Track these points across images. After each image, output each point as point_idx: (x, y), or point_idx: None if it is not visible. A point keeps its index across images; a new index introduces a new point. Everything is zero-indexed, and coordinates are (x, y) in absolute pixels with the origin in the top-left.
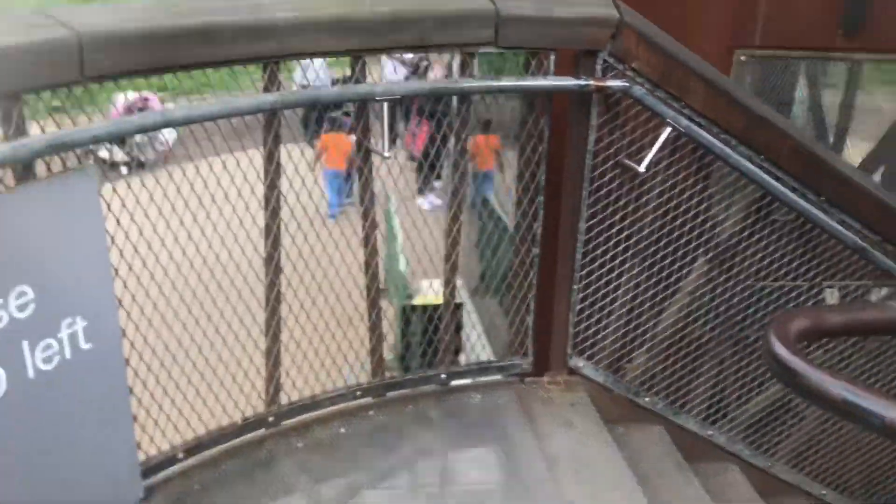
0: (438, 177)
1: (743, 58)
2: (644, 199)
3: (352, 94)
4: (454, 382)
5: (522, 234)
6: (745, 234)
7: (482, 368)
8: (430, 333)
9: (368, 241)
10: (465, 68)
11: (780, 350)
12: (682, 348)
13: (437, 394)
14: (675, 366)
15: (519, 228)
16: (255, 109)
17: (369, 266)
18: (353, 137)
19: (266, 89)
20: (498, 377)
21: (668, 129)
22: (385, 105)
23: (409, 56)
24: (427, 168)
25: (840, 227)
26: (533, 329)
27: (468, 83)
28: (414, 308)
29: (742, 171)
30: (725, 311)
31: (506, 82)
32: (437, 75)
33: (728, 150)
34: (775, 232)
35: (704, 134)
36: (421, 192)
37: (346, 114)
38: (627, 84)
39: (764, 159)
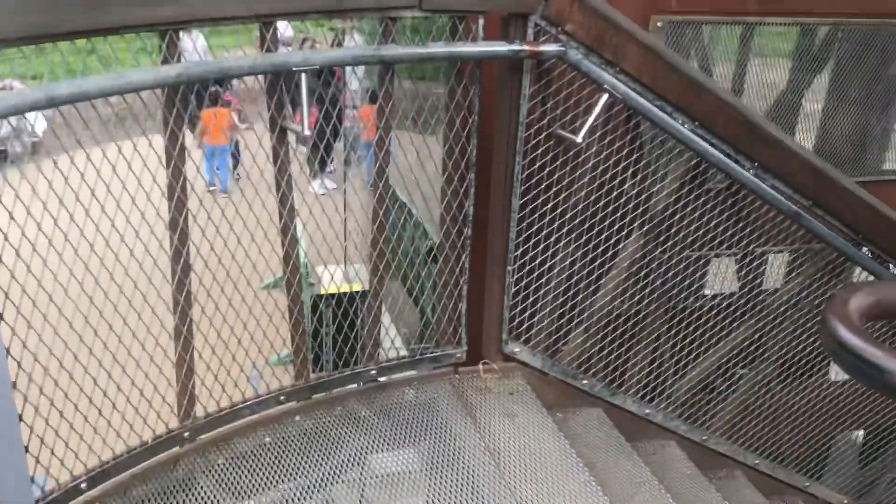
0: (329, 159)
1: (659, 23)
2: (579, 172)
3: (265, 64)
4: (384, 378)
5: (453, 214)
6: (681, 204)
7: (414, 361)
8: (350, 325)
9: (287, 230)
10: (387, 35)
11: (843, 331)
12: (618, 326)
13: (367, 392)
14: (612, 345)
15: (449, 209)
16: (156, 84)
17: (289, 257)
18: (234, 112)
19: (165, 61)
20: (431, 369)
21: (606, 97)
22: (304, 76)
23: (287, 34)
24: (322, 150)
25: (775, 193)
26: (466, 316)
27: (393, 50)
28: (327, 298)
29: (679, 139)
30: (661, 284)
31: (434, 49)
32: None
33: (666, 118)
34: (710, 201)
35: (642, 101)
36: (314, 175)
37: (221, 85)
38: (563, 48)
39: (699, 126)
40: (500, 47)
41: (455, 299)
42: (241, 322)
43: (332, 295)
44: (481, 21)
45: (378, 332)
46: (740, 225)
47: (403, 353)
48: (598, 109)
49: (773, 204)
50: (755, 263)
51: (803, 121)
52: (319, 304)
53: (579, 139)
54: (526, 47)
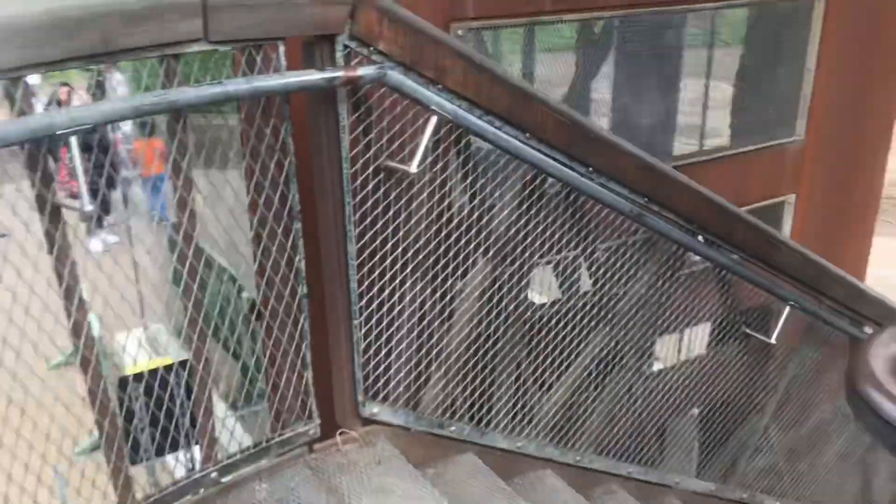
0: (107, 211)
1: (459, 31)
2: (416, 204)
3: (21, 132)
4: (228, 478)
5: (282, 273)
6: (523, 221)
7: (260, 450)
8: (168, 414)
9: (71, 294)
10: (171, 76)
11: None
12: (478, 360)
13: (209, 499)
14: (474, 382)
15: (277, 268)
16: None
17: (79, 327)
18: None
19: None
20: (282, 454)
21: (435, 118)
22: (75, 141)
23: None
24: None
25: (614, 196)
26: (314, 384)
27: (185, 94)
28: (136, 378)
29: (513, 154)
30: (515, 307)
31: (234, 86)
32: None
33: (500, 133)
34: (551, 213)
35: (471, 118)
36: (90, 232)
37: None
38: (382, 70)
39: (531, 137)
40: (312, 76)
41: (298, 369)
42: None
43: (139, 375)
44: (282, 48)
45: (210, 423)
46: (583, 233)
47: (246, 441)
48: (428, 133)
49: (614, 206)
50: (595, 268)
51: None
52: (127, 387)
53: (413, 169)
54: (341, 73)
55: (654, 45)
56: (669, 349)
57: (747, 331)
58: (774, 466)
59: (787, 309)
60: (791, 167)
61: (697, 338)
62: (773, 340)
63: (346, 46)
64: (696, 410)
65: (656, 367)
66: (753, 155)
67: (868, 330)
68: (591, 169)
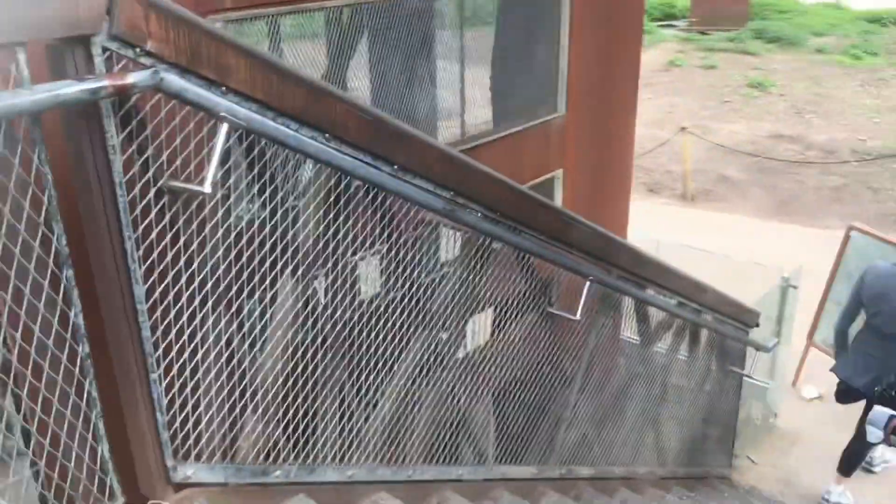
0: None
1: (218, 23)
2: (210, 228)
3: None
4: None
5: (55, 333)
6: (332, 230)
7: None
8: None
9: None
10: None
11: None
12: (297, 393)
13: None
14: (295, 417)
15: (48, 328)
16: None
17: None
18: None
19: None
20: None
21: (226, 126)
22: None
23: None
24: None
25: (426, 194)
26: (111, 457)
27: None
28: None
29: (315, 157)
30: (332, 327)
31: None
32: None
33: (299, 136)
34: (360, 218)
35: (269, 122)
36: None
37: None
38: (157, 75)
39: (331, 137)
40: (70, 89)
41: (90, 444)
42: None
43: None
44: (22, 56)
45: None
46: (394, 236)
47: None
48: (220, 144)
49: (426, 205)
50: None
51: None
52: None
53: (207, 188)
54: (106, 83)
55: (408, 30)
56: (480, 337)
57: (552, 310)
58: (586, 437)
59: (588, 284)
60: (556, 143)
61: (496, 324)
62: (578, 317)
63: (105, 49)
64: (516, 395)
65: (461, 354)
66: (521, 135)
67: (651, 292)
68: (397, 167)
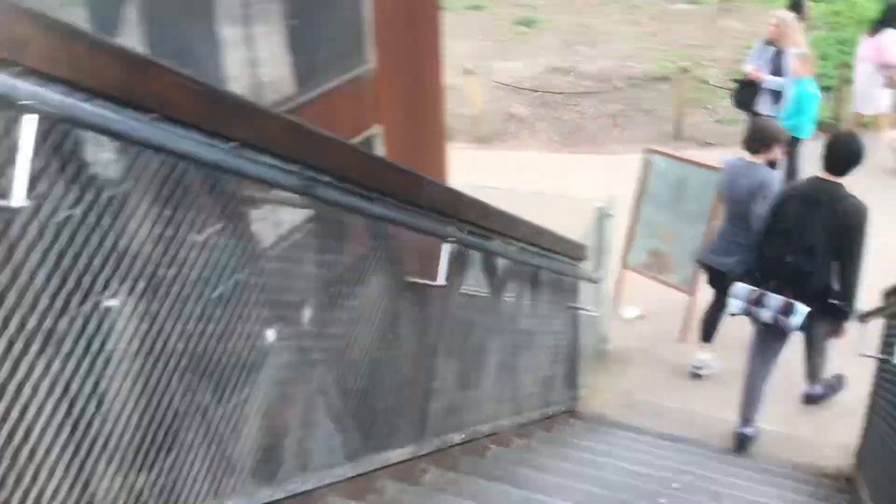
0: None
1: None
2: (24, 249)
3: None
4: None
5: None
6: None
7: None
8: None
9: None
10: None
11: None
12: (151, 425)
13: None
14: (157, 458)
15: None
16: None
17: None
18: None
19: None
20: None
21: (34, 118)
22: None
23: None
24: None
25: (280, 173)
26: None
27: None
28: None
29: (142, 142)
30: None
31: None
32: None
33: (125, 120)
34: (200, 211)
35: (86, 107)
36: None
37: None
38: None
39: (160, 117)
40: None
41: None
42: None
43: None
44: None
45: None
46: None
47: None
48: (29, 143)
49: (280, 184)
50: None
51: None
52: None
53: (14, 202)
54: None
55: None
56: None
57: (413, 279)
58: (454, 402)
59: (447, 246)
60: (370, 98)
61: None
62: (443, 282)
63: None
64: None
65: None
66: (334, 93)
67: (497, 242)
68: (238, 143)
